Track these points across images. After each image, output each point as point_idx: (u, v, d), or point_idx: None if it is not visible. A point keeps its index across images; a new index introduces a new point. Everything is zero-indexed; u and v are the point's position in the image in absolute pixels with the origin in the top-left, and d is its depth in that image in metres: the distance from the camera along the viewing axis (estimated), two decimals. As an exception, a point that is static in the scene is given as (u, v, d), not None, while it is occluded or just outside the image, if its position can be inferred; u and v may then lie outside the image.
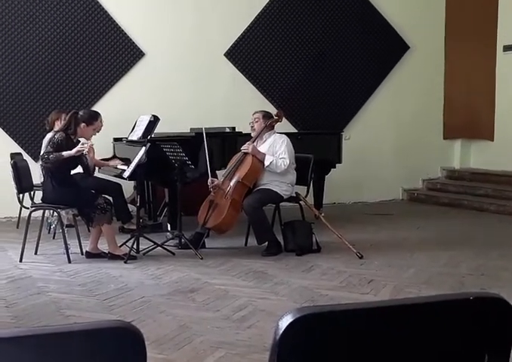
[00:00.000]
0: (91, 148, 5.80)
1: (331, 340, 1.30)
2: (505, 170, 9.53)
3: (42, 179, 6.54)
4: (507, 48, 9.68)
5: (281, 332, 1.24)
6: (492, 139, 9.98)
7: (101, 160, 7.11)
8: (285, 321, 1.24)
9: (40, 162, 7.08)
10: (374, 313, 1.33)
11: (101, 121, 7.04)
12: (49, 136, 6.59)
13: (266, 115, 6.42)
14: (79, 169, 6.43)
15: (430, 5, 10.22)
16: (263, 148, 6.28)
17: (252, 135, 6.40)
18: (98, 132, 7.02)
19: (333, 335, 1.30)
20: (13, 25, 8.29)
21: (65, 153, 5.63)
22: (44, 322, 4.09)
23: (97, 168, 7.28)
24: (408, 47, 10.11)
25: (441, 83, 10.45)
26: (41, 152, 6.91)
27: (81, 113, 5.96)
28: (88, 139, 6.00)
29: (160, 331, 3.88)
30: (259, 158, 6.15)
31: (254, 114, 6.47)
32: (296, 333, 1.25)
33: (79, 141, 5.91)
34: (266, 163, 6.11)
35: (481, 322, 1.37)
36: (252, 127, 6.41)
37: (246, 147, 6.22)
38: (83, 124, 5.87)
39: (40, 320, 4.13)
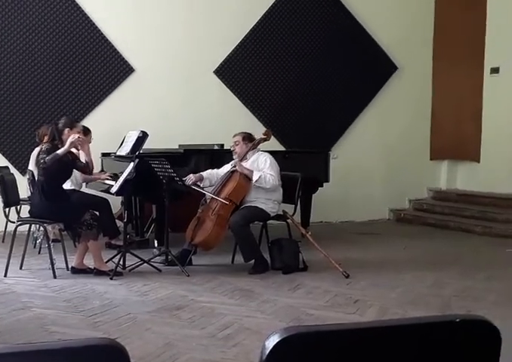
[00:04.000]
0: (83, 141, 5.76)
1: (317, 360, 1.30)
2: (491, 191, 9.59)
3: (29, 193, 6.53)
4: (494, 70, 9.79)
5: (267, 352, 1.23)
6: (479, 161, 10.05)
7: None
8: (272, 341, 1.24)
9: (27, 176, 7.07)
10: (360, 334, 1.34)
11: (90, 138, 7.07)
12: (37, 150, 6.58)
13: (247, 137, 6.42)
14: (66, 184, 6.42)
15: (419, 26, 10.33)
16: (247, 166, 6.28)
17: (234, 157, 6.39)
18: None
19: (319, 355, 1.30)
20: (3, 39, 8.29)
21: (59, 151, 5.59)
22: (27, 338, 4.05)
23: (84, 184, 7.28)
24: (397, 68, 10.21)
25: (428, 104, 10.54)
26: (30, 167, 6.92)
27: (61, 121, 5.93)
28: (78, 148, 5.97)
29: (145, 348, 3.86)
30: (247, 175, 6.16)
31: (233, 137, 6.47)
32: (282, 353, 1.25)
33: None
34: (255, 178, 6.10)
35: (467, 345, 1.38)
36: (233, 150, 6.42)
37: (233, 164, 6.24)
38: (67, 130, 5.83)
39: (24, 336, 4.09)
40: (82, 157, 5.98)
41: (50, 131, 5.90)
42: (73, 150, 5.94)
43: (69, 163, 5.80)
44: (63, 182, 5.99)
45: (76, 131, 5.93)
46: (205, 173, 6.40)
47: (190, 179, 6.24)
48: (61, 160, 5.62)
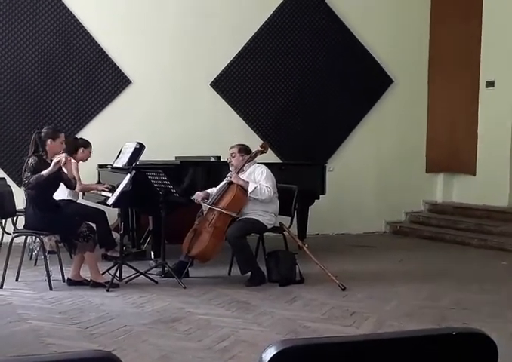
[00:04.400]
0: (67, 160, 5.74)
1: (314, 373, 1.31)
2: (487, 204, 9.62)
3: (25, 205, 6.51)
4: (489, 84, 9.84)
5: (264, 364, 1.24)
6: (474, 174, 10.08)
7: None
8: (269, 354, 1.24)
9: (23, 187, 7.06)
10: (357, 347, 1.34)
11: (90, 152, 7.09)
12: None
13: (243, 149, 6.45)
14: (63, 195, 6.41)
15: (414, 40, 10.40)
16: (243, 178, 6.30)
17: (230, 169, 6.41)
18: (84, 161, 7.06)
19: (316, 368, 1.31)
20: None
21: (44, 172, 5.57)
22: (23, 350, 4.03)
23: (80, 194, 7.29)
24: (392, 81, 10.26)
25: (424, 117, 10.58)
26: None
27: (44, 131, 5.89)
28: (59, 153, 5.94)
29: (141, 361, 3.85)
30: (242, 186, 6.17)
31: (230, 149, 6.49)
32: (280, 366, 1.26)
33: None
34: (250, 189, 6.11)
35: (464, 358, 1.39)
36: (230, 162, 6.43)
37: (229, 176, 6.25)
38: (49, 140, 5.81)
39: (19, 348, 4.08)
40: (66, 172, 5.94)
41: (32, 141, 5.84)
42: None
43: (55, 174, 5.74)
44: (53, 193, 5.97)
45: (59, 141, 5.88)
46: (209, 190, 6.42)
47: (199, 196, 6.26)
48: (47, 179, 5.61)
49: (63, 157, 5.62)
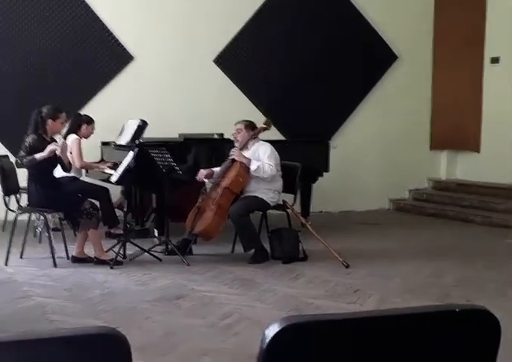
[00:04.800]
0: (64, 146, 5.75)
1: (317, 350, 1.31)
2: (491, 181, 9.60)
3: (27, 183, 6.52)
4: (494, 60, 9.76)
5: (267, 341, 1.24)
6: (478, 151, 10.05)
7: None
8: (272, 330, 1.24)
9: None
10: (360, 324, 1.34)
11: (93, 128, 7.06)
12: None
13: (249, 125, 6.40)
14: (66, 173, 6.40)
15: (419, 16, 10.29)
16: (247, 156, 6.28)
17: (236, 145, 6.38)
18: (86, 138, 7.03)
19: (319, 345, 1.31)
20: (1, 26, 8.26)
21: (37, 156, 5.56)
22: (28, 327, 4.06)
23: (84, 171, 7.28)
24: (396, 57, 10.17)
25: (428, 93, 10.52)
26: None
27: (44, 110, 5.87)
28: (60, 133, 5.93)
29: (145, 337, 3.87)
30: (245, 164, 6.15)
31: (235, 124, 6.45)
32: (282, 342, 1.25)
33: (54, 139, 5.84)
34: (253, 167, 6.09)
35: (466, 334, 1.38)
36: (235, 138, 6.40)
37: (232, 152, 6.23)
38: (50, 121, 5.80)
39: (24, 325, 4.11)
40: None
41: (33, 119, 5.83)
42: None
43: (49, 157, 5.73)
44: (52, 170, 5.95)
45: (60, 122, 5.89)
46: (214, 169, 6.40)
47: (202, 174, 6.25)
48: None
49: (58, 147, 5.61)
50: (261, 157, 6.21)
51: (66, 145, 5.84)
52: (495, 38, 9.71)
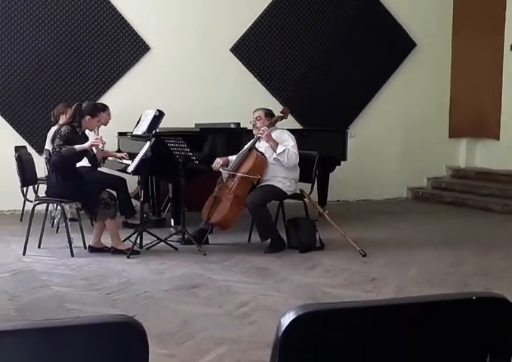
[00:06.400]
0: (101, 141, 5.83)
1: (332, 338, 1.30)
2: (510, 169, 9.50)
3: (46, 173, 6.56)
4: (514, 47, 9.66)
5: (283, 329, 1.24)
6: (498, 139, 9.95)
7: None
8: (288, 318, 1.24)
9: (44, 155, 7.11)
10: (376, 312, 1.33)
11: (109, 114, 7.06)
12: (54, 129, 6.60)
13: (268, 113, 6.39)
14: (84, 162, 6.43)
15: (438, 3, 10.18)
16: (264, 144, 6.25)
17: (254, 132, 6.34)
18: (105, 125, 7.04)
19: (335, 333, 1.30)
20: (19, 17, 8.28)
21: (77, 146, 5.65)
22: (46, 315, 4.08)
23: (101, 163, 7.30)
24: (415, 45, 10.08)
25: (447, 81, 10.42)
26: (46, 146, 6.95)
27: (84, 105, 5.94)
28: (93, 130, 6.02)
29: (162, 326, 3.88)
30: (272, 145, 6.11)
31: (254, 112, 6.42)
32: (298, 330, 1.25)
33: (84, 133, 5.91)
34: (279, 150, 6.06)
35: (484, 322, 1.37)
36: (254, 125, 6.37)
37: (261, 132, 6.17)
38: (88, 117, 5.86)
39: (43, 314, 4.14)
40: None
41: (72, 111, 5.88)
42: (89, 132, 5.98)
43: (85, 151, 5.80)
44: (76, 163, 6.00)
45: (96, 120, 5.97)
46: (230, 157, 6.38)
47: (218, 163, 6.24)
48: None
49: (100, 142, 5.71)
50: (285, 144, 6.18)
51: (103, 141, 5.91)
52: (515, 24, 9.59)
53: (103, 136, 5.95)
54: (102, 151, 6.29)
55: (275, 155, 6.11)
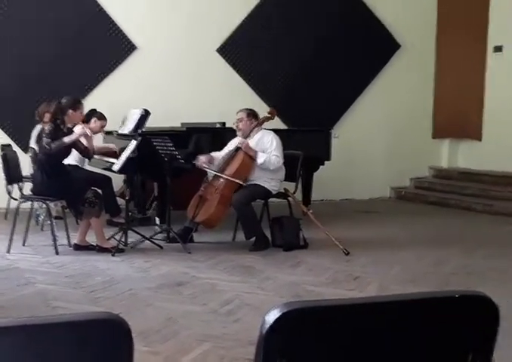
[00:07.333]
0: (88, 129, 5.84)
1: (316, 335, 1.32)
2: (492, 169, 9.60)
3: (32, 171, 6.53)
4: (497, 49, 9.74)
5: (267, 326, 1.25)
6: (480, 139, 10.04)
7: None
8: (272, 316, 1.25)
9: (30, 153, 7.07)
10: (359, 309, 1.35)
11: (81, 113, 7.04)
12: (39, 127, 6.57)
13: (251, 114, 6.38)
14: (70, 159, 6.40)
15: (422, 4, 10.25)
16: (250, 144, 6.26)
17: (238, 134, 6.35)
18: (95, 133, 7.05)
19: (319, 330, 1.32)
20: (5, 16, 8.23)
21: (66, 139, 5.64)
22: (30, 313, 4.08)
23: (86, 161, 7.27)
24: (399, 46, 10.15)
25: (431, 82, 10.50)
26: (31, 144, 6.92)
27: (64, 100, 5.90)
28: (79, 123, 5.99)
29: (146, 324, 3.89)
30: (251, 156, 6.14)
31: (237, 113, 6.41)
32: (282, 328, 1.26)
33: (71, 129, 5.88)
34: (260, 161, 6.08)
35: (466, 320, 1.39)
36: (237, 126, 6.38)
37: (240, 143, 6.19)
38: (70, 111, 5.83)
39: (27, 311, 4.13)
40: (83, 141, 5.96)
41: (53, 109, 5.87)
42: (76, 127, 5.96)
43: (73, 143, 5.80)
44: (63, 160, 5.98)
45: (79, 112, 5.95)
46: (213, 154, 6.38)
47: (201, 160, 6.23)
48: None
49: (88, 130, 5.75)
50: (266, 146, 6.20)
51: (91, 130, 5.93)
52: (499, 26, 9.68)
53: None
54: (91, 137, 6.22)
55: (258, 164, 6.12)
